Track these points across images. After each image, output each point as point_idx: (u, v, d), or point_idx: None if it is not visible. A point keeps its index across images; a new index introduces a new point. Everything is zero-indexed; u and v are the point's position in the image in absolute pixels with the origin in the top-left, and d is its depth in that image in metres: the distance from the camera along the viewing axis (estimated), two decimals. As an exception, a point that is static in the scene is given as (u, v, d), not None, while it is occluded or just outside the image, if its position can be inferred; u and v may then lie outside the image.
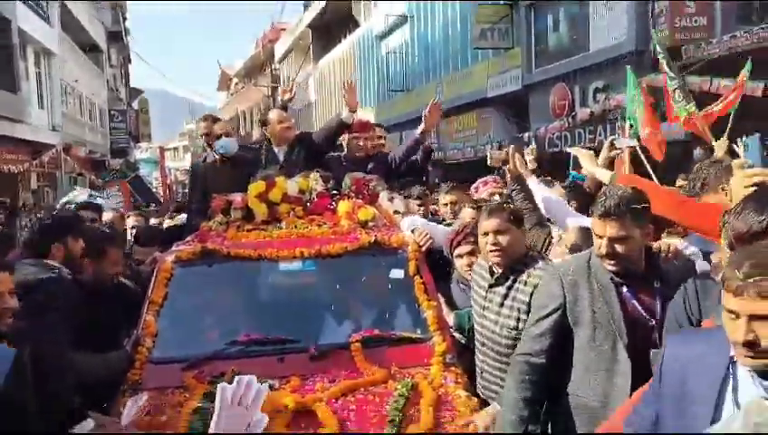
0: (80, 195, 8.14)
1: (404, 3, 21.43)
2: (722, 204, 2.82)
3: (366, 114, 17.46)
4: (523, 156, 4.16)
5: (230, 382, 1.97)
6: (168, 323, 3.47)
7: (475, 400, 3.04)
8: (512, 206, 3.40)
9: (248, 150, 5.56)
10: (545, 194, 3.95)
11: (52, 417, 2.60)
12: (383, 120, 14.46)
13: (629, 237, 2.60)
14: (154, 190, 16.06)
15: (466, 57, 17.86)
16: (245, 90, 47.05)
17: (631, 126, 6.64)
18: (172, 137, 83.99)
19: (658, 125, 6.57)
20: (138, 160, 34.20)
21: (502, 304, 3.14)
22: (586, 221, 3.29)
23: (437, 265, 3.85)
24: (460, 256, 3.68)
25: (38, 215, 3.28)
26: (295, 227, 4.05)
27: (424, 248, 3.82)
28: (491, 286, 3.20)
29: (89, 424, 2.69)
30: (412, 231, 3.96)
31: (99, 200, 7.76)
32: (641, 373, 2.42)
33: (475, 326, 3.31)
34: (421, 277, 3.63)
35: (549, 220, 3.90)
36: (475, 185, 5.73)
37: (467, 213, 4.61)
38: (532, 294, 3.00)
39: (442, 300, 3.63)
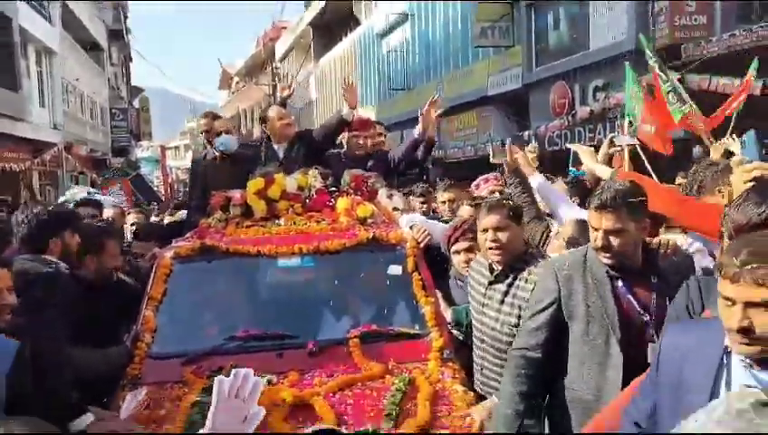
0: (78, 193, 8.16)
1: (405, 2, 21.43)
2: (722, 205, 2.83)
3: (367, 113, 17.47)
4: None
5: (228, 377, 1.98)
6: (168, 318, 3.48)
7: (472, 394, 3.05)
8: (511, 202, 3.41)
9: (248, 148, 5.58)
10: (540, 180, 3.95)
11: (51, 412, 2.61)
12: (384, 119, 14.46)
13: (625, 230, 2.61)
14: (155, 189, 16.06)
15: (467, 55, 17.87)
16: (246, 88, 47.08)
17: (630, 123, 6.64)
18: (173, 135, 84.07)
19: (666, 120, 6.51)
20: (139, 159, 34.17)
21: (502, 302, 3.14)
22: (578, 211, 3.30)
23: (435, 261, 3.86)
24: (457, 252, 3.69)
25: (34, 210, 3.27)
26: (294, 223, 4.07)
27: (422, 245, 3.83)
28: (491, 283, 3.21)
29: (88, 418, 2.71)
30: (410, 228, 3.97)
31: (97, 196, 7.76)
32: (634, 367, 2.44)
33: (474, 323, 3.32)
34: (419, 273, 3.64)
35: (548, 215, 3.92)
36: (475, 182, 5.75)
37: (466, 210, 4.63)
38: (533, 292, 3.01)
39: (440, 296, 3.64)
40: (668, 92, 6.23)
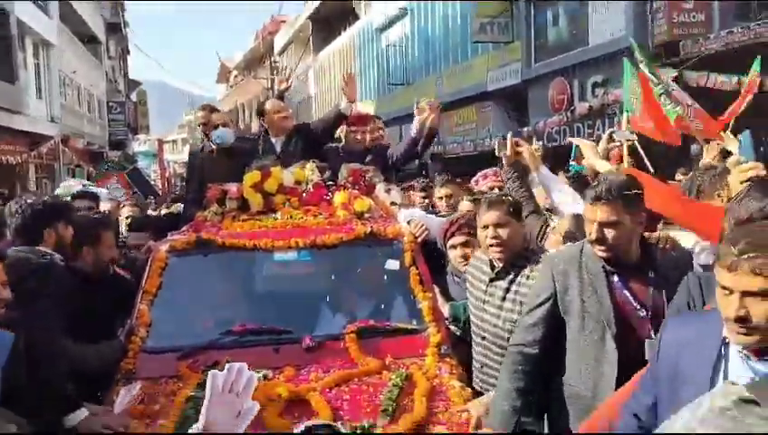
0: (74, 186, 8.14)
1: (405, 1, 21.34)
2: (722, 206, 2.82)
3: (366, 107, 17.42)
4: None
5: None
6: (162, 312, 3.46)
7: (469, 390, 3.04)
8: (511, 198, 3.38)
9: (245, 141, 5.54)
10: (545, 171, 3.92)
11: (45, 403, 2.59)
12: (382, 114, 14.34)
13: (620, 223, 2.58)
14: (152, 183, 16.01)
15: (466, 51, 17.82)
16: (245, 82, 46.97)
17: (628, 121, 6.60)
18: (171, 129, 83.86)
19: (662, 121, 6.48)
20: (136, 153, 34.10)
21: (504, 299, 3.12)
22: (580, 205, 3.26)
23: (433, 256, 3.84)
24: (453, 246, 3.66)
25: (27, 200, 3.24)
26: (291, 217, 4.04)
27: (419, 239, 3.81)
28: (492, 280, 3.18)
29: (82, 413, 2.69)
30: (408, 222, 3.95)
31: (92, 188, 7.73)
32: (629, 363, 2.42)
33: (474, 320, 3.29)
34: (417, 268, 3.62)
35: (547, 209, 3.89)
36: (475, 178, 5.72)
37: (465, 206, 4.60)
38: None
39: (437, 291, 3.62)
40: (660, 95, 6.19)
